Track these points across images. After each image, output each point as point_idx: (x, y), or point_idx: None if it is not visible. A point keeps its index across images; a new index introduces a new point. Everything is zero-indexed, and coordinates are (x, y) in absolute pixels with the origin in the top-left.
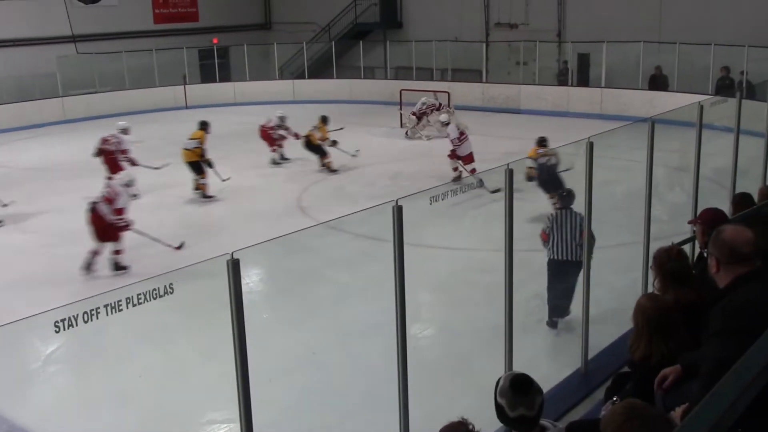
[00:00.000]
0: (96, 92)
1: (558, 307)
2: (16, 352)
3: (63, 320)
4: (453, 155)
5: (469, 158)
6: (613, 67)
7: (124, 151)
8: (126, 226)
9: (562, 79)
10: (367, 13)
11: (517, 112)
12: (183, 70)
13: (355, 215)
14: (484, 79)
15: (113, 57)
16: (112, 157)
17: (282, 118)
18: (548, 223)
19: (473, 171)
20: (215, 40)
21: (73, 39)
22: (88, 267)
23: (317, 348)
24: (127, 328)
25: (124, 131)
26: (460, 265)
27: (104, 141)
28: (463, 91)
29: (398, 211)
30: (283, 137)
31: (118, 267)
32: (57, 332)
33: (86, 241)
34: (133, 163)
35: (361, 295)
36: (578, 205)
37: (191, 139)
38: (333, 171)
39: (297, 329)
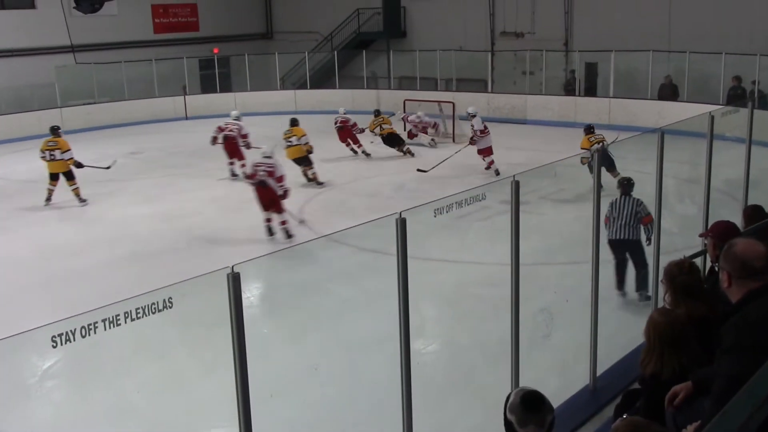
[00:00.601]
0: (95, 103)
1: (618, 279)
2: (13, 367)
3: (60, 335)
4: (485, 151)
5: (488, 151)
6: (621, 76)
7: (244, 136)
8: (287, 192)
9: (569, 89)
10: (370, 22)
11: (523, 122)
12: (183, 81)
13: (358, 228)
14: (489, 89)
15: (112, 67)
16: (234, 143)
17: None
18: (609, 209)
19: (491, 163)
20: (216, 50)
21: (72, 49)
22: (270, 232)
23: (319, 363)
24: (125, 343)
25: (238, 118)
26: (465, 278)
27: (222, 129)
28: (467, 101)
29: (402, 224)
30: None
31: (289, 235)
32: (54, 347)
33: (84, 253)
34: (249, 146)
35: (364, 310)
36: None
37: (294, 136)
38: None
39: (298, 344)
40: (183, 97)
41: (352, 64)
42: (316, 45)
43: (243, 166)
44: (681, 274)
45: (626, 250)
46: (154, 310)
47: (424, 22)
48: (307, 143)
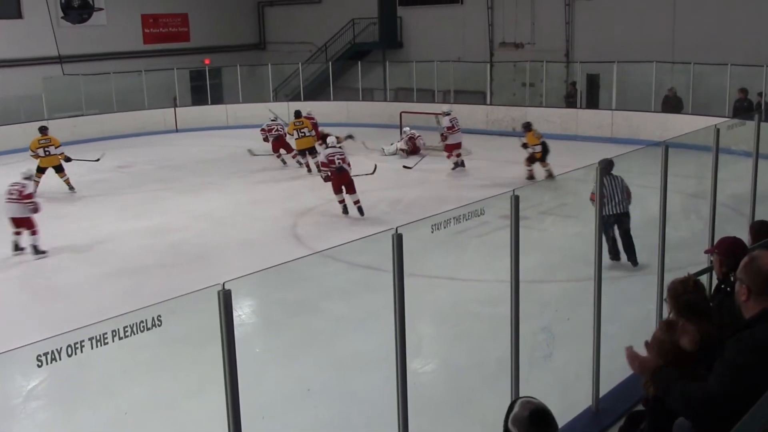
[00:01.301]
0: (83, 115)
1: (612, 251)
2: None
3: (45, 354)
4: (454, 146)
5: (457, 146)
6: (624, 88)
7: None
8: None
9: (570, 101)
10: (365, 33)
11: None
12: (173, 92)
13: (353, 244)
14: (488, 102)
15: (101, 78)
16: (283, 139)
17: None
18: (602, 188)
19: (458, 156)
20: (207, 61)
21: (60, 60)
22: (346, 211)
23: (312, 384)
24: (113, 363)
25: (276, 118)
26: (463, 296)
27: (269, 130)
28: (466, 114)
29: (398, 240)
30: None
31: (362, 212)
32: (39, 366)
33: (70, 270)
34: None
35: (359, 328)
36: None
37: (306, 128)
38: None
39: (291, 364)
40: (173, 109)
41: (347, 75)
42: (310, 56)
43: (357, 202)
44: (686, 293)
45: (620, 222)
46: (142, 329)
47: (421, 33)
48: (314, 135)
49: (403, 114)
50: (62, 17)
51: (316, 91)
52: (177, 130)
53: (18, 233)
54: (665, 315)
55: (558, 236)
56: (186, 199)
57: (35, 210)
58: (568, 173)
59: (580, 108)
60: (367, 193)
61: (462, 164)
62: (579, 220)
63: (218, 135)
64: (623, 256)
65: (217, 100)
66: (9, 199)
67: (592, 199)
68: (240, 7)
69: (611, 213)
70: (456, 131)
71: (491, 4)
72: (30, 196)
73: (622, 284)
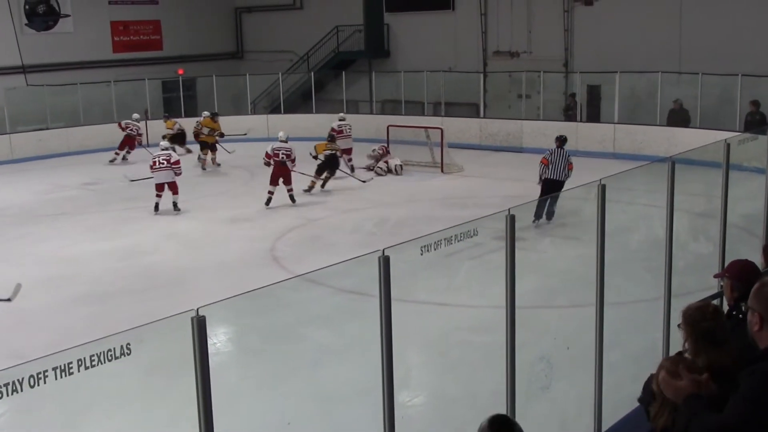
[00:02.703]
0: (47, 128)
1: (539, 211)
2: None
3: (6, 385)
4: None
5: (347, 151)
6: (627, 100)
7: (293, 161)
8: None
9: (569, 114)
10: (350, 41)
11: (519, 150)
12: (145, 104)
13: (337, 267)
14: (481, 114)
15: (67, 89)
16: (285, 169)
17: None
18: (549, 156)
19: (350, 161)
20: (180, 71)
21: (23, 69)
22: (269, 203)
23: (293, 417)
24: (78, 394)
25: (287, 141)
26: (455, 323)
27: (275, 155)
28: (458, 128)
29: (385, 262)
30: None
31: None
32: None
33: (32, 294)
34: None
35: (343, 357)
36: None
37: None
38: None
39: (270, 395)
40: (144, 122)
41: (331, 86)
42: (291, 65)
43: (290, 191)
44: (704, 320)
45: (555, 188)
46: (110, 358)
47: (410, 41)
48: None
49: (390, 128)
50: (26, 24)
51: (298, 103)
52: (148, 145)
53: (159, 196)
54: (672, 344)
55: (557, 259)
56: (157, 218)
57: (180, 173)
58: (567, 191)
59: (580, 121)
60: (352, 212)
61: (352, 169)
62: (580, 242)
63: (192, 150)
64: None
65: (191, 112)
66: (159, 167)
67: (542, 162)
68: (216, 14)
69: (552, 177)
70: (344, 135)
71: (484, 10)
72: (178, 162)
73: (625, 310)
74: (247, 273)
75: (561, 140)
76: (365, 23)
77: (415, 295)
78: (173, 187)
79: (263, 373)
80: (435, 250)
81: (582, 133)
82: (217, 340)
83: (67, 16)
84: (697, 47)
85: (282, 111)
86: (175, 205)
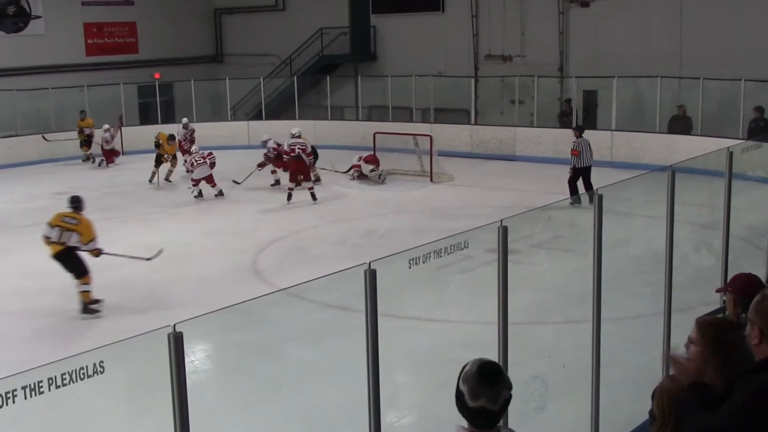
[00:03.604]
0: (17, 135)
1: (576, 198)
2: None
3: None
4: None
5: (305, 172)
6: (625, 106)
7: (309, 155)
8: None
9: (564, 121)
10: (335, 44)
11: (511, 159)
12: (119, 110)
13: (321, 281)
14: (472, 121)
15: (38, 94)
16: (303, 163)
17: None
18: (577, 145)
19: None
20: (157, 75)
21: None
22: (290, 198)
23: None
24: (49, 414)
25: (300, 135)
26: (445, 340)
27: (291, 152)
28: (448, 135)
29: (371, 276)
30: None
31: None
32: None
33: (2, 311)
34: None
35: (327, 376)
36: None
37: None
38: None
39: (251, 416)
40: (119, 128)
41: (315, 91)
42: (273, 69)
43: (311, 188)
44: (719, 331)
45: (586, 173)
46: (82, 376)
47: (398, 44)
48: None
49: (377, 135)
50: None
51: (280, 108)
52: (123, 153)
53: (196, 184)
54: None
55: (552, 272)
56: (133, 230)
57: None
58: (563, 201)
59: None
60: (338, 223)
61: (278, 182)
62: (576, 255)
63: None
64: (584, 199)
65: (168, 119)
66: (199, 162)
67: (574, 154)
68: (195, 15)
69: (585, 165)
70: (202, 162)
71: (476, 12)
72: (211, 154)
73: (624, 326)
74: (227, 287)
75: (581, 129)
76: (351, 25)
77: (403, 311)
78: (210, 180)
79: (243, 393)
80: (424, 263)
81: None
82: (195, 357)
83: (38, 17)
84: (698, 50)
85: (263, 117)
86: (220, 191)
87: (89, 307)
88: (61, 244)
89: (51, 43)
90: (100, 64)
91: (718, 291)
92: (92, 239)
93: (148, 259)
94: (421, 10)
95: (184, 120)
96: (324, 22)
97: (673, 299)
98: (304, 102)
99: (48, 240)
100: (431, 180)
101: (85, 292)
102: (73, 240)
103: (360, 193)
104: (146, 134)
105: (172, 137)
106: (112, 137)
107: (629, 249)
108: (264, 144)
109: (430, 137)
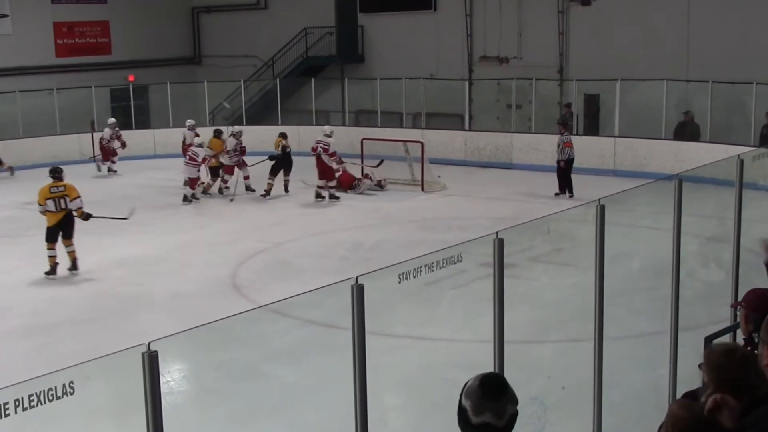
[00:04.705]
0: None
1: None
2: None
3: None
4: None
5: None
6: (629, 111)
7: (332, 155)
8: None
9: (564, 126)
10: (320, 45)
11: (508, 167)
12: (91, 115)
13: (305, 296)
14: (467, 127)
15: (5, 98)
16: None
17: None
18: (569, 138)
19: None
20: (131, 78)
21: None
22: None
23: None
24: None
25: (330, 135)
26: (436, 359)
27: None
28: (441, 141)
29: (359, 291)
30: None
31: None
32: None
33: None
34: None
35: (311, 398)
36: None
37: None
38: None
39: None
40: (90, 134)
41: (299, 94)
42: (255, 72)
43: (331, 188)
44: (732, 369)
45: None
46: (51, 398)
47: (387, 45)
48: None
49: (364, 141)
50: None
51: (262, 113)
52: (94, 160)
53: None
54: (679, 382)
55: (551, 288)
56: (105, 241)
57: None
58: (563, 212)
59: (577, 135)
60: (323, 235)
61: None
62: (577, 269)
63: (144, 166)
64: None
65: (143, 124)
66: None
67: (568, 146)
68: (171, 14)
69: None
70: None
71: (470, 11)
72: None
73: (627, 345)
74: (204, 303)
75: (566, 124)
76: (337, 25)
77: (392, 328)
78: (193, 184)
79: (222, 416)
80: (414, 277)
81: (579, 148)
82: (171, 378)
83: (5, 16)
84: (706, 52)
85: (244, 122)
86: (193, 196)
87: (77, 264)
88: (63, 210)
89: (18, 44)
90: (71, 66)
91: (732, 306)
92: (78, 196)
93: (125, 218)
94: (412, 8)
95: (190, 121)
96: (308, 22)
97: (680, 316)
98: (288, 106)
99: (47, 212)
100: (422, 189)
101: (74, 251)
102: (69, 204)
103: (345, 203)
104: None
105: (218, 132)
106: (114, 137)
107: (633, 263)
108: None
109: (422, 144)
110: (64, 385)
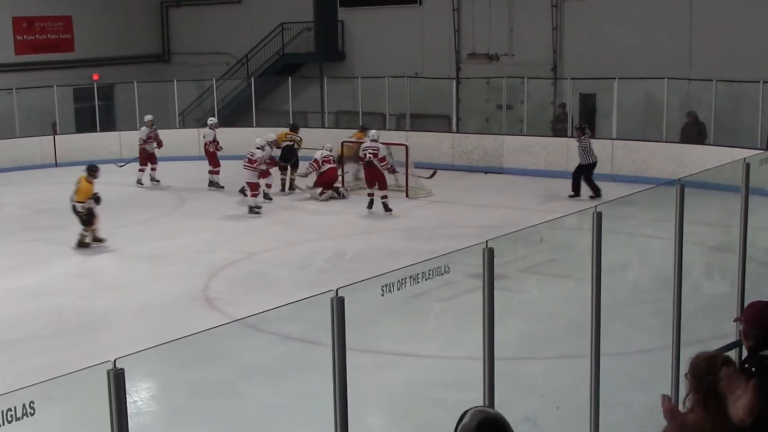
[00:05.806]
0: None
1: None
2: None
3: None
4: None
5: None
6: (627, 111)
7: (382, 160)
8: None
9: (558, 128)
10: (297, 41)
11: (499, 171)
12: (53, 116)
13: (282, 310)
14: (454, 128)
15: None
16: (374, 169)
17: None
18: (588, 142)
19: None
20: (96, 76)
21: None
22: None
23: None
24: None
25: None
26: (422, 377)
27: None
28: (426, 144)
29: (339, 305)
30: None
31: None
32: None
33: None
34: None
35: (289, 418)
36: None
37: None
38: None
39: None
40: (52, 137)
41: (275, 94)
42: (227, 70)
43: (384, 198)
44: (710, 373)
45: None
46: (10, 419)
47: (369, 42)
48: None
49: (345, 144)
50: None
51: (235, 114)
52: (56, 164)
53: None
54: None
55: (545, 301)
56: (67, 252)
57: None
58: (557, 220)
59: (572, 136)
60: (300, 244)
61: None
62: (572, 281)
63: (110, 170)
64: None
65: (108, 125)
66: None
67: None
68: (138, 9)
69: (594, 161)
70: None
71: (458, 5)
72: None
73: (626, 362)
74: (174, 317)
75: (583, 129)
76: (315, 20)
77: (374, 344)
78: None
79: None
80: (399, 290)
81: (573, 151)
82: (139, 397)
83: None
84: (710, 48)
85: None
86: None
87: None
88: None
89: None
90: (31, 64)
91: (736, 320)
92: (82, 201)
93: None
94: (396, 2)
95: (212, 119)
96: (285, 17)
97: (683, 331)
98: (263, 107)
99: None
100: (407, 196)
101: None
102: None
103: (325, 210)
104: (82, 143)
105: (295, 127)
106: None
107: (632, 274)
108: (263, 149)
109: (406, 147)
110: (23, 405)
